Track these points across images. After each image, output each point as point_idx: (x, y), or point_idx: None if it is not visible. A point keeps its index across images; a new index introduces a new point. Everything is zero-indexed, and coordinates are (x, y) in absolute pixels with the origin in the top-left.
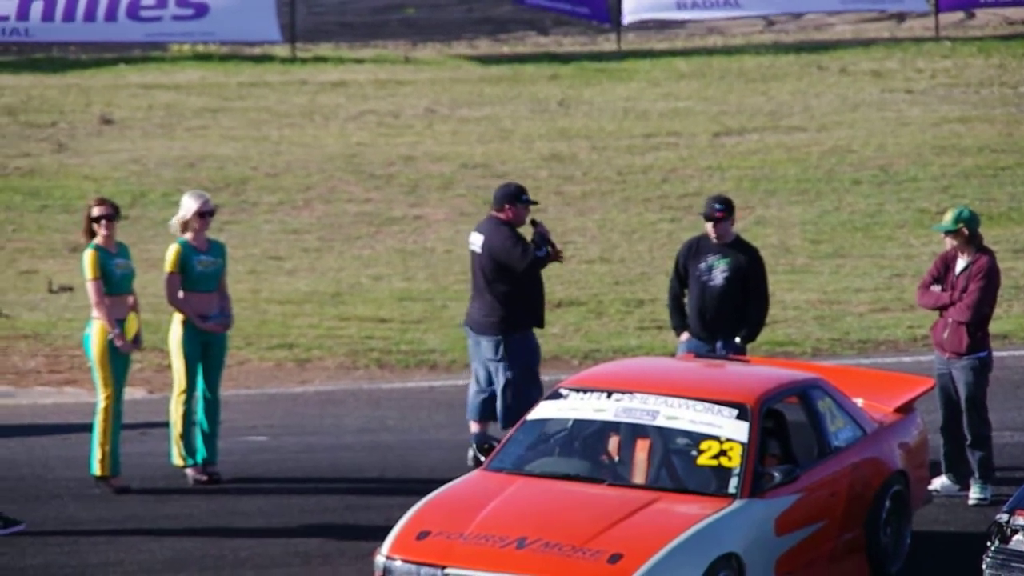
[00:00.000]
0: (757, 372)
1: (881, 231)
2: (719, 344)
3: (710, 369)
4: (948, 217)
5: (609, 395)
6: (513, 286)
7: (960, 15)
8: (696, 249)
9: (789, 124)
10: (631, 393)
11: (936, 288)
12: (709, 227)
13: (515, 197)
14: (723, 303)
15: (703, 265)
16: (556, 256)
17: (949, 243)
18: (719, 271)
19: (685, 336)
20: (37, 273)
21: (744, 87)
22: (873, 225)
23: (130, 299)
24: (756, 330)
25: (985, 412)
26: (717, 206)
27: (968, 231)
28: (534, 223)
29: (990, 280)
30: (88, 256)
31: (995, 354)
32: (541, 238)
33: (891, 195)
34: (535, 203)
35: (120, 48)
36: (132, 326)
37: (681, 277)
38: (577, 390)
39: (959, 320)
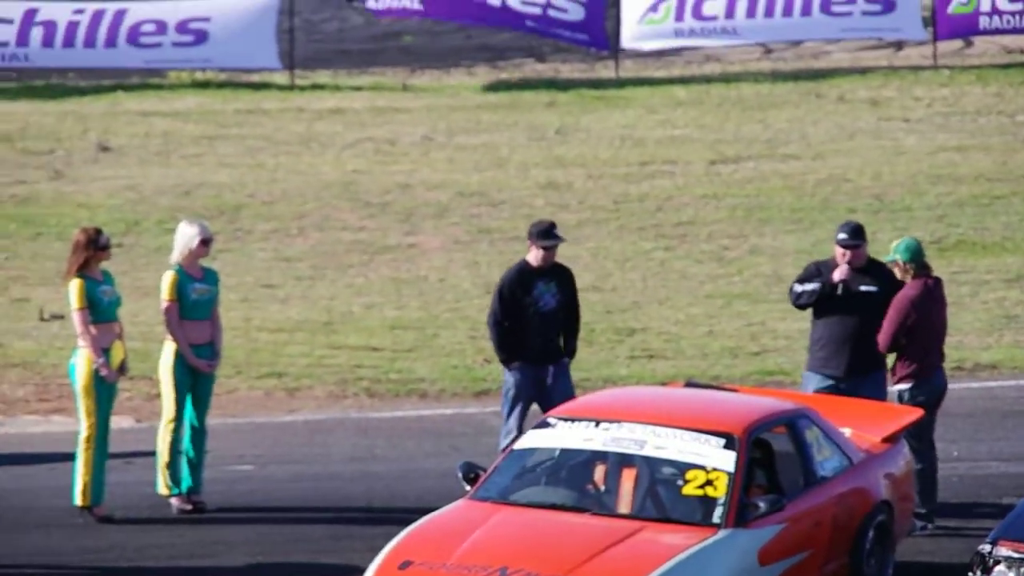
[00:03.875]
0: (745, 402)
1: None
2: (551, 369)
3: (699, 399)
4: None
5: (597, 424)
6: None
7: (958, 44)
8: (522, 278)
9: (785, 152)
10: (619, 422)
11: None
12: (540, 254)
13: (837, 237)
14: (557, 326)
15: (535, 292)
16: (818, 292)
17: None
18: (551, 295)
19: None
20: (29, 301)
21: (741, 115)
22: None
23: (116, 327)
24: (576, 346)
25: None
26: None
27: (903, 261)
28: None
29: (896, 310)
30: (75, 285)
31: (985, 384)
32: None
33: (886, 223)
34: (856, 245)
35: (118, 75)
36: (118, 354)
37: (509, 308)
38: (565, 419)
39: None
